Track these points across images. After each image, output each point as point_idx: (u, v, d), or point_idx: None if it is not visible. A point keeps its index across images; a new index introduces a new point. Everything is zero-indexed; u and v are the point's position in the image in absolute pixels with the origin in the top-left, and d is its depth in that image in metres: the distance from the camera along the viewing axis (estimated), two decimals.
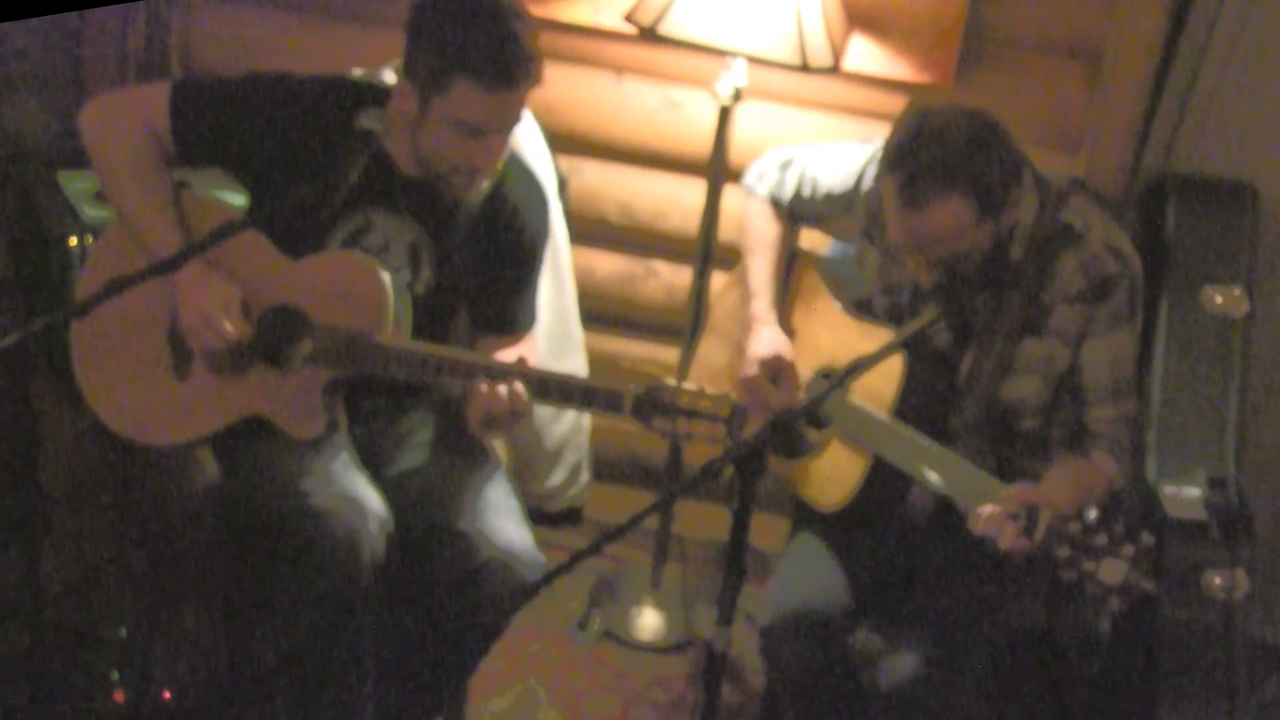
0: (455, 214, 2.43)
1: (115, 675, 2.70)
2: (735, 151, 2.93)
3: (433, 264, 2.45)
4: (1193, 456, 2.71)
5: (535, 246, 2.55)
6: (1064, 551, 2.10)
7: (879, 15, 2.97)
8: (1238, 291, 2.84)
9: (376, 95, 2.39)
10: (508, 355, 2.37)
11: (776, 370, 2.54)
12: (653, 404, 2.21)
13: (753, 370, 2.54)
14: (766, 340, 2.56)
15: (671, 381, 2.21)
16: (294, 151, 2.37)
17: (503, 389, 2.24)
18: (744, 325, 2.62)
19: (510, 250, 2.50)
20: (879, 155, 2.43)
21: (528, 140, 2.80)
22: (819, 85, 3.06)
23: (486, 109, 2.26)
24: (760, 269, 2.62)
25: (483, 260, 2.48)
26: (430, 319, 2.45)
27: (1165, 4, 2.90)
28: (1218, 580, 2.53)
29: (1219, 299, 2.83)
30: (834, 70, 2.80)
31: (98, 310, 1.95)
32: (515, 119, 2.32)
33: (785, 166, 2.64)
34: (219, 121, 2.39)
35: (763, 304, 2.60)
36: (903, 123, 2.24)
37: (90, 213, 2.90)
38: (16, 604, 2.68)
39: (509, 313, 2.56)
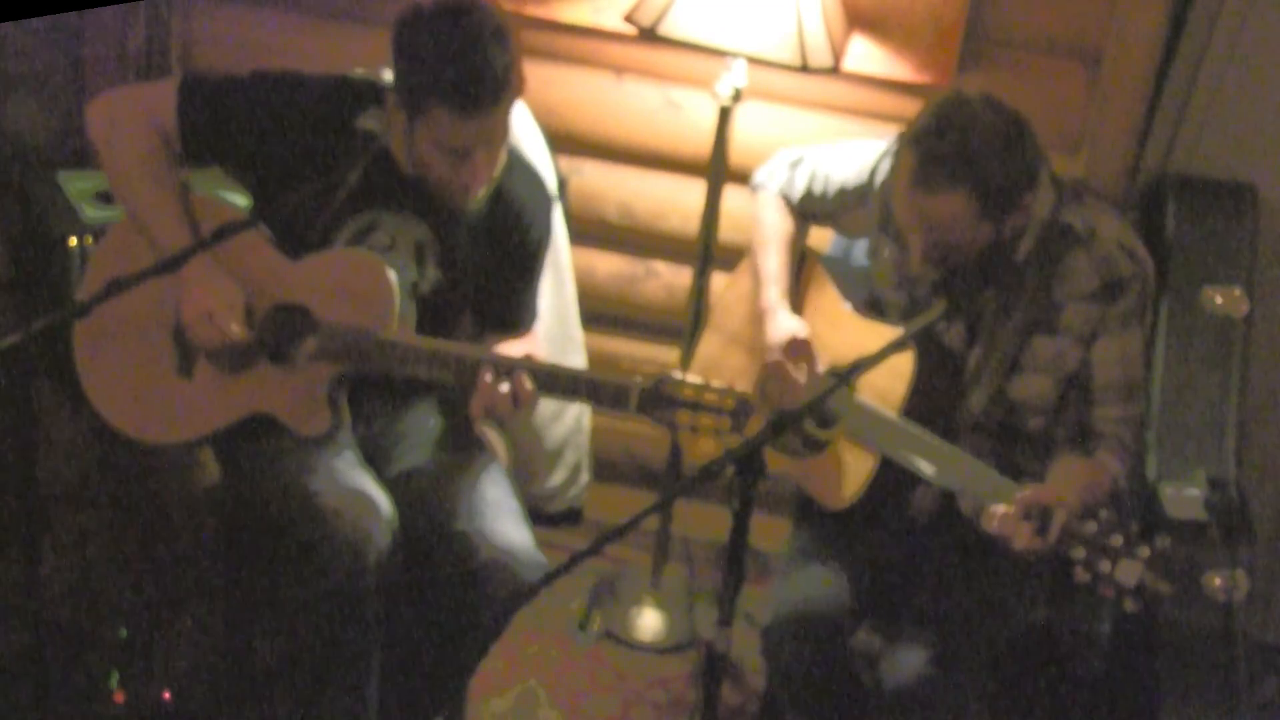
0: (459, 213, 2.44)
1: (115, 675, 2.70)
2: (735, 152, 2.93)
3: (438, 263, 2.45)
4: (1193, 456, 2.71)
5: (539, 245, 2.55)
6: (1078, 552, 2.10)
7: (879, 15, 2.97)
8: (1238, 291, 2.84)
9: (378, 95, 2.39)
10: (513, 350, 2.37)
11: (797, 351, 2.53)
12: (658, 397, 2.22)
13: (774, 356, 2.54)
14: (781, 325, 2.56)
15: (678, 375, 2.22)
16: (297, 150, 2.38)
17: (505, 387, 2.25)
18: (756, 318, 2.61)
19: (515, 249, 2.51)
20: (894, 149, 2.43)
21: (528, 140, 2.80)
22: (819, 85, 3.05)
23: (464, 133, 2.26)
24: (771, 260, 2.62)
25: (487, 259, 2.49)
26: (435, 317, 2.46)
27: (1165, 4, 2.90)
28: (1218, 581, 2.53)
29: (1219, 299, 2.83)
30: (834, 70, 2.80)
31: (101, 310, 1.95)
32: (499, 137, 2.32)
33: (795, 165, 2.64)
34: (225, 120, 2.39)
35: (775, 293, 2.59)
36: (937, 102, 2.25)
37: (90, 213, 2.90)
38: (16, 604, 2.68)
39: (513, 310, 2.56)
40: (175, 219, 2.37)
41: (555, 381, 2.28)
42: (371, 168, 2.26)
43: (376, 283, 2.33)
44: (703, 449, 2.73)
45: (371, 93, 2.40)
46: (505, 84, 2.24)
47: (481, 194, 2.39)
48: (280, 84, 2.40)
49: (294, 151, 2.38)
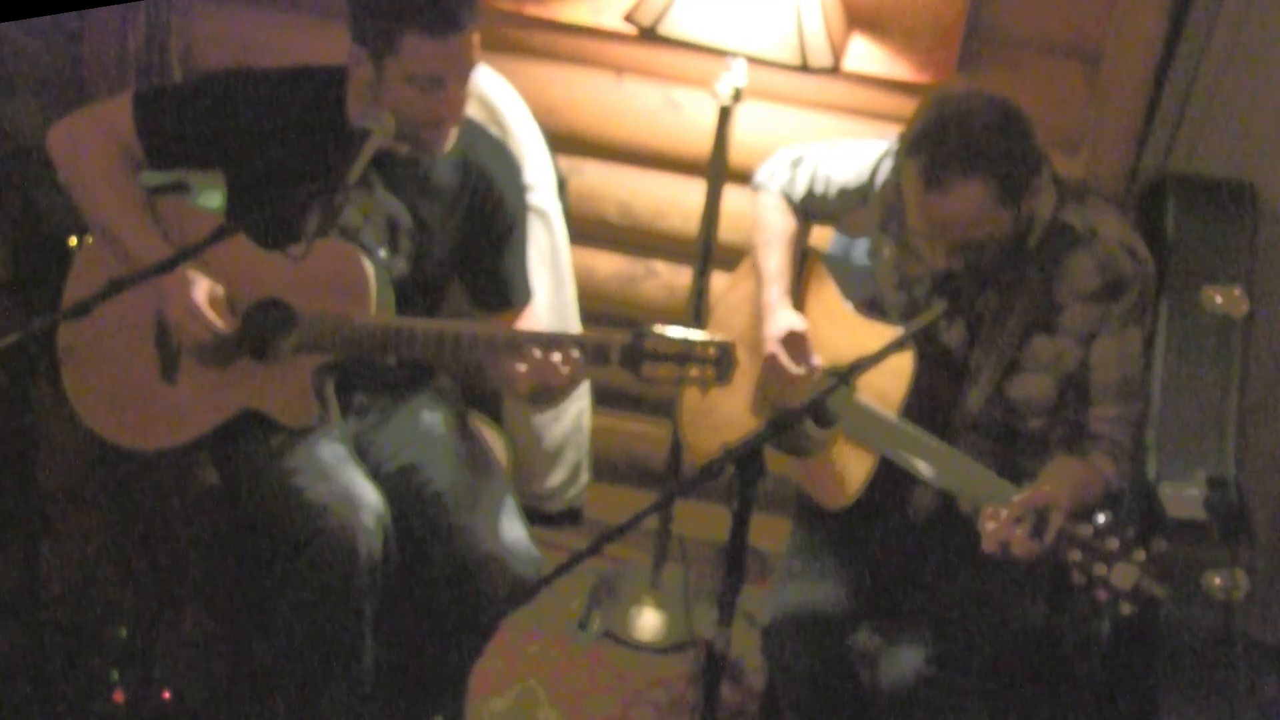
0: (428, 185, 2.45)
1: (115, 675, 2.69)
2: (735, 151, 2.93)
3: (411, 238, 2.46)
4: (1193, 456, 2.70)
5: (515, 214, 2.56)
6: (1075, 555, 2.10)
7: (879, 15, 2.97)
8: (1238, 291, 2.84)
9: (338, 78, 2.41)
10: None
11: (793, 345, 2.53)
12: (639, 351, 2.22)
13: (771, 348, 2.54)
14: (780, 320, 2.55)
15: (658, 328, 2.21)
16: (263, 143, 2.40)
17: (557, 356, 2.25)
18: (757, 316, 2.61)
19: (490, 219, 2.52)
20: (894, 149, 2.43)
21: (528, 140, 2.80)
22: (819, 85, 3.06)
23: (440, 58, 2.27)
24: (773, 260, 2.62)
25: (462, 231, 2.49)
26: (416, 295, 2.46)
27: (1165, 4, 2.90)
28: (1218, 580, 2.52)
29: (1219, 299, 2.83)
30: (834, 70, 2.80)
31: (80, 324, 1.96)
32: (471, 62, 2.33)
33: (796, 164, 2.64)
34: (183, 124, 2.43)
35: (776, 291, 2.59)
36: (925, 107, 2.24)
37: None
38: (16, 604, 2.68)
39: (501, 284, 2.56)
40: (146, 229, 2.40)
41: (535, 345, 2.28)
42: (339, 145, 2.27)
43: (352, 270, 2.35)
44: (691, 424, 2.73)
45: (332, 78, 2.42)
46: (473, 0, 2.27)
47: (452, 136, 2.39)
48: (232, 81, 2.43)
49: (258, 144, 2.40)
